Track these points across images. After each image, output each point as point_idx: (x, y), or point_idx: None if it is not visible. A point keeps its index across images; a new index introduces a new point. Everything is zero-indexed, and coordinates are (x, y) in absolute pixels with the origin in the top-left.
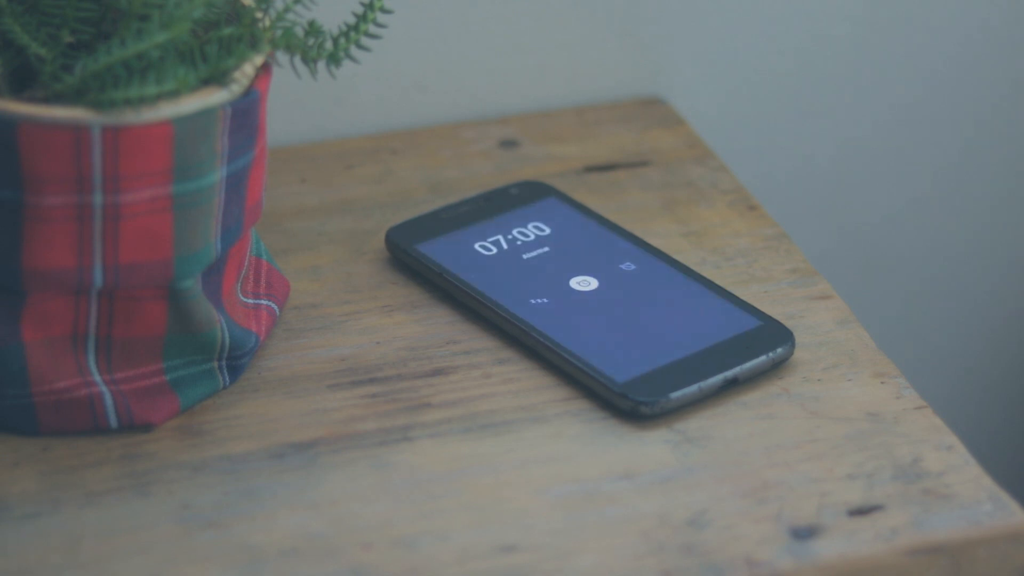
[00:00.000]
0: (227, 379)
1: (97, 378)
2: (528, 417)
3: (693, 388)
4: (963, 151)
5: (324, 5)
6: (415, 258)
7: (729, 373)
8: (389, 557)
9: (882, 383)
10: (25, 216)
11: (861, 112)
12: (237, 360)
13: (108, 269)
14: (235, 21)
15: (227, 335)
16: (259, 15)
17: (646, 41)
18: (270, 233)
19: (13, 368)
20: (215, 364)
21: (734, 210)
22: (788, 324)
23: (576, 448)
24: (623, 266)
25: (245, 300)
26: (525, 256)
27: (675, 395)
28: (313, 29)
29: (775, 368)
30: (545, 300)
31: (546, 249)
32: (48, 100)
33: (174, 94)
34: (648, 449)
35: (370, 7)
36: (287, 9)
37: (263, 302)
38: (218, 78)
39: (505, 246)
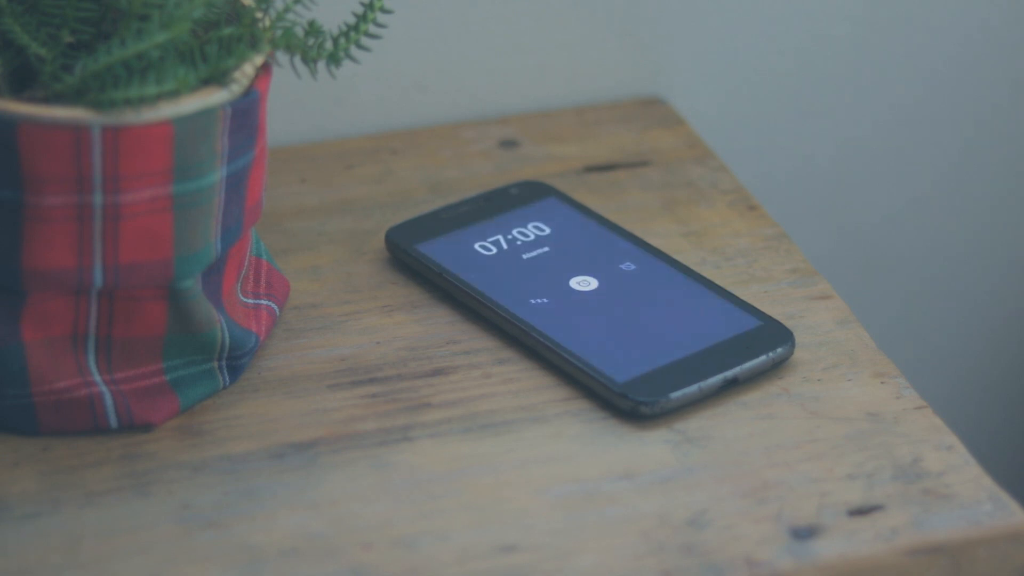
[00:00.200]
0: (227, 379)
1: (97, 378)
2: (528, 417)
3: (693, 388)
4: (963, 151)
5: (324, 5)
6: (415, 258)
7: (729, 373)
8: (389, 557)
9: (882, 383)
10: (25, 216)
11: (861, 112)
12: (237, 360)
13: (108, 269)
14: (235, 21)
15: (227, 335)
16: (259, 15)
17: (646, 41)
18: (270, 233)
19: (13, 368)
20: (215, 364)
21: (734, 210)
22: (788, 324)
23: (576, 448)
24: (623, 266)
25: (245, 300)
26: (525, 256)
27: (675, 395)
28: (313, 29)
29: (775, 368)
30: (545, 300)
31: (546, 249)
32: (48, 100)
33: (174, 94)
34: (648, 449)
35: (370, 7)
36: (287, 9)
37: (263, 302)
38: (218, 78)
39: (505, 246)
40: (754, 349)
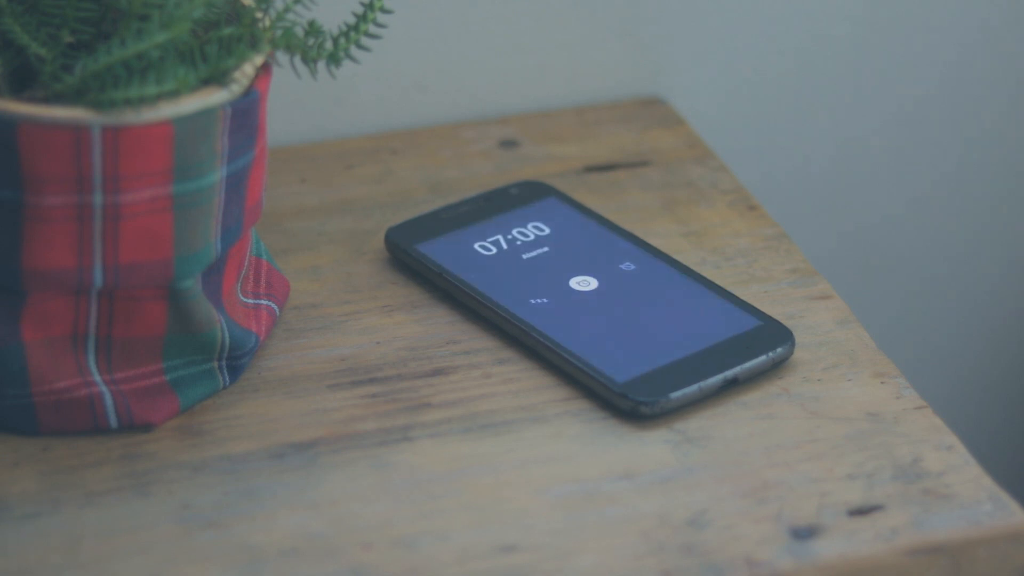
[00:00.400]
0: (227, 379)
1: (97, 378)
2: (528, 417)
3: (693, 388)
4: (963, 151)
5: (324, 5)
6: (415, 258)
7: (729, 373)
8: (389, 557)
9: (882, 383)
10: (25, 216)
11: (861, 112)
12: (237, 360)
13: (108, 269)
14: (235, 21)
15: (227, 335)
16: (259, 15)
17: (646, 41)
18: (270, 233)
19: (13, 368)
20: (215, 364)
21: (734, 210)
22: (788, 324)
23: (576, 448)
24: (623, 266)
25: (245, 300)
26: (525, 256)
27: (675, 395)
28: (313, 29)
29: (775, 368)
30: (545, 300)
31: (546, 249)
32: (48, 100)
33: (174, 94)
34: (648, 449)
35: (370, 7)
36: (287, 9)
37: (263, 302)
38: (218, 78)
39: (505, 246)
40: (754, 349)
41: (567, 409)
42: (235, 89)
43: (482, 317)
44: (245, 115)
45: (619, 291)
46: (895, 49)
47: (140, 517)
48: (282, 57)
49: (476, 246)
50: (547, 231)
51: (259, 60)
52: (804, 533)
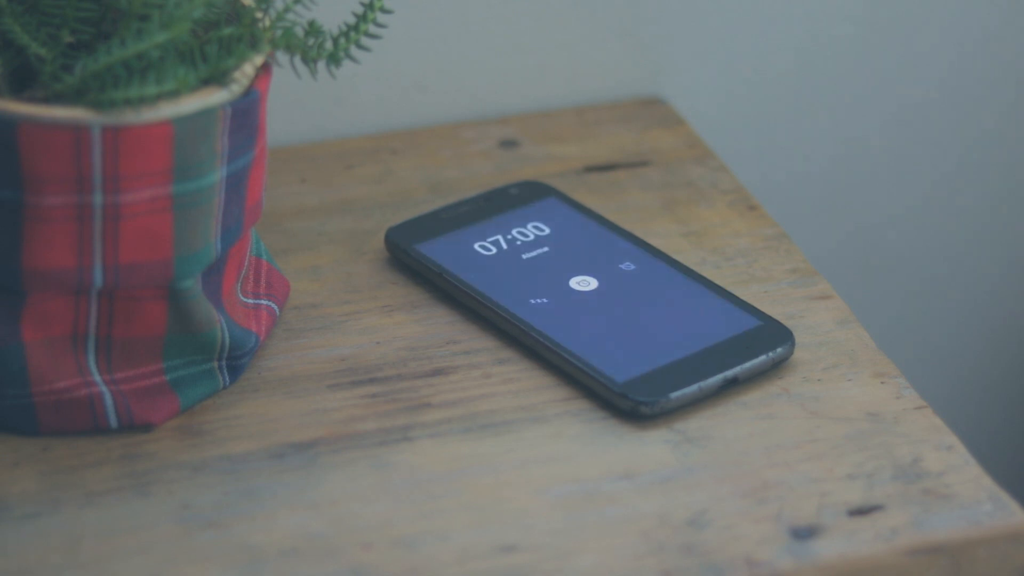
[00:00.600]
0: (227, 379)
1: (97, 378)
2: (528, 417)
3: (693, 388)
4: (963, 151)
5: (324, 5)
6: (415, 258)
7: (729, 373)
8: (389, 557)
9: (882, 383)
10: (25, 216)
11: (861, 112)
12: (237, 360)
13: (108, 269)
14: (235, 21)
15: (227, 335)
16: (259, 15)
17: (646, 41)
18: (270, 233)
19: (13, 368)
20: (215, 364)
21: (734, 210)
22: (788, 324)
23: (576, 448)
24: (623, 266)
25: (245, 300)
26: (525, 256)
27: (675, 395)
28: (313, 29)
29: (775, 368)
30: (545, 300)
31: (546, 249)
32: (48, 100)
33: (174, 94)
34: (648, 449)
35: (370, 7)
36: (287, 9)
37: (263, 302)
38: (218, 78)
39: (505, 246)
40: (754, 349)
41: (567, 409)
42: (235, 89)
43: (482, 317)
44: (245, 115)
45: (619, 291)
46: (895, 49)
47: (140, 517)
48: (282, 57)
49: (476, 246)
50: (547, 231)
51: (259, 60)
52: (804, 533)
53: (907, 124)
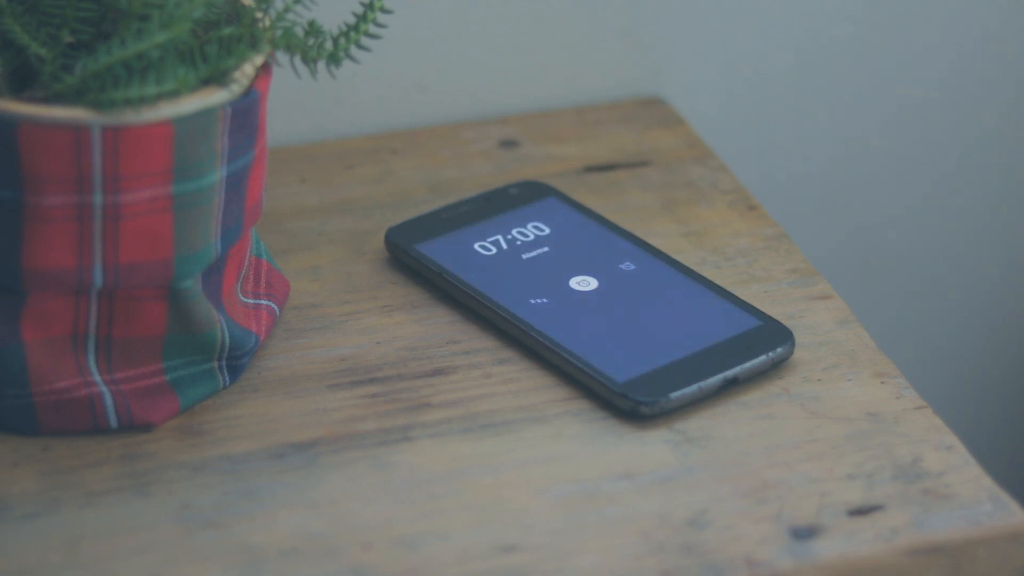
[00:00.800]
0: (227, 379)
1: (97, 378)
2: (528, 417)
3: (693, 388)
4: (963, 151)
5: (324, 5)
6: (415, 258)
7: (729, 373)
8: (389, 557)
9: (882, 383)
10: (25, 216)
11: (861, 112)
12: (237, 360)
13: (108, 269)
14: (235, 21)
15: (227, 335)
16: (259, 15)
17: (646, 41)
18: (270, 233)
19: (13, 368)
20: (215, 364)
21: (734, 210)
22: (788, 324)
23: (576, 448)
24: (623, 266)
25: (245, 300)
26: (525, 256)
27: (675, 395)
28: (313, 29)
29: (775, 368)
30: (545, 300)
31: (546, 249)
32: (48, 100)
33: (174, 94)
34: (648, 449)
35: (370, 7)
36: (287, 9)
37: (263, 302)
38: (218, 78)
39: (505, 246)
40: (754, 349)
41: (567, 409)
42: (235, 89)
43: (482, 317)
44: (245, 115)
45: (619, 291)
46: (895, 49)
47: (140, 517)
48: (282, 57)
49: (476, 246)
50: (547, 231)
51: (259, 60)
52: (804, 533)
53: (907, 124)
